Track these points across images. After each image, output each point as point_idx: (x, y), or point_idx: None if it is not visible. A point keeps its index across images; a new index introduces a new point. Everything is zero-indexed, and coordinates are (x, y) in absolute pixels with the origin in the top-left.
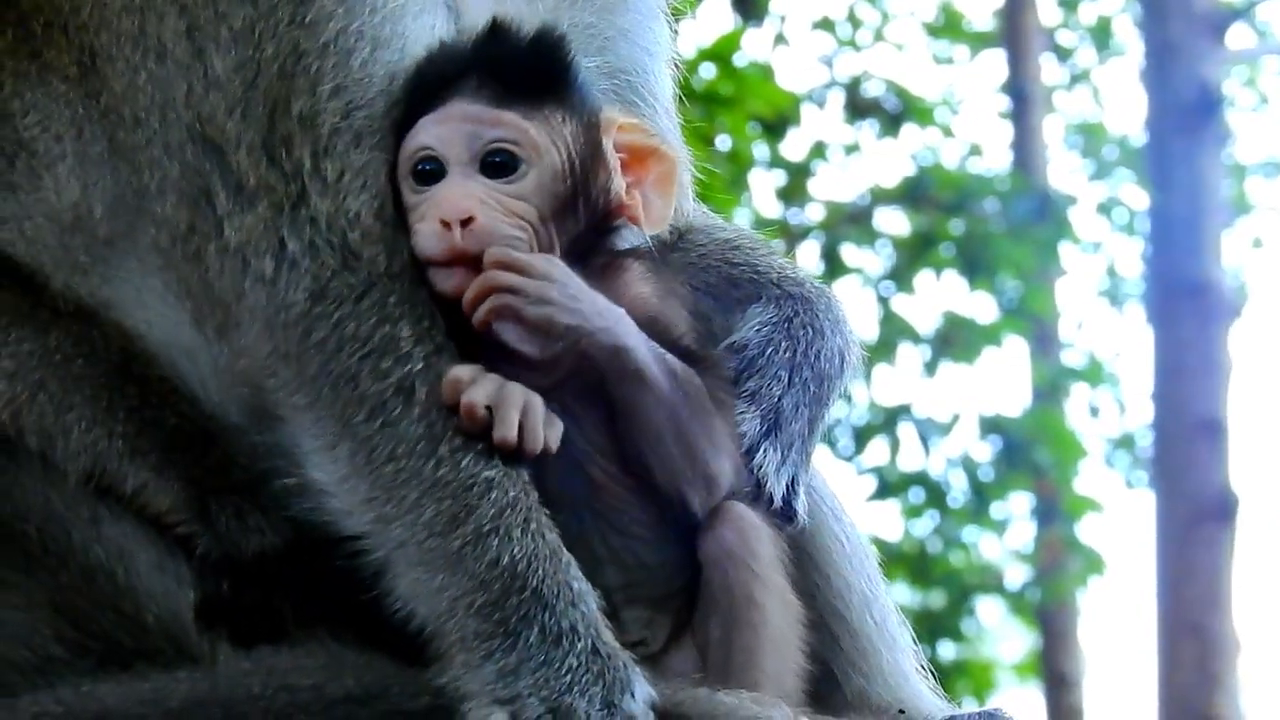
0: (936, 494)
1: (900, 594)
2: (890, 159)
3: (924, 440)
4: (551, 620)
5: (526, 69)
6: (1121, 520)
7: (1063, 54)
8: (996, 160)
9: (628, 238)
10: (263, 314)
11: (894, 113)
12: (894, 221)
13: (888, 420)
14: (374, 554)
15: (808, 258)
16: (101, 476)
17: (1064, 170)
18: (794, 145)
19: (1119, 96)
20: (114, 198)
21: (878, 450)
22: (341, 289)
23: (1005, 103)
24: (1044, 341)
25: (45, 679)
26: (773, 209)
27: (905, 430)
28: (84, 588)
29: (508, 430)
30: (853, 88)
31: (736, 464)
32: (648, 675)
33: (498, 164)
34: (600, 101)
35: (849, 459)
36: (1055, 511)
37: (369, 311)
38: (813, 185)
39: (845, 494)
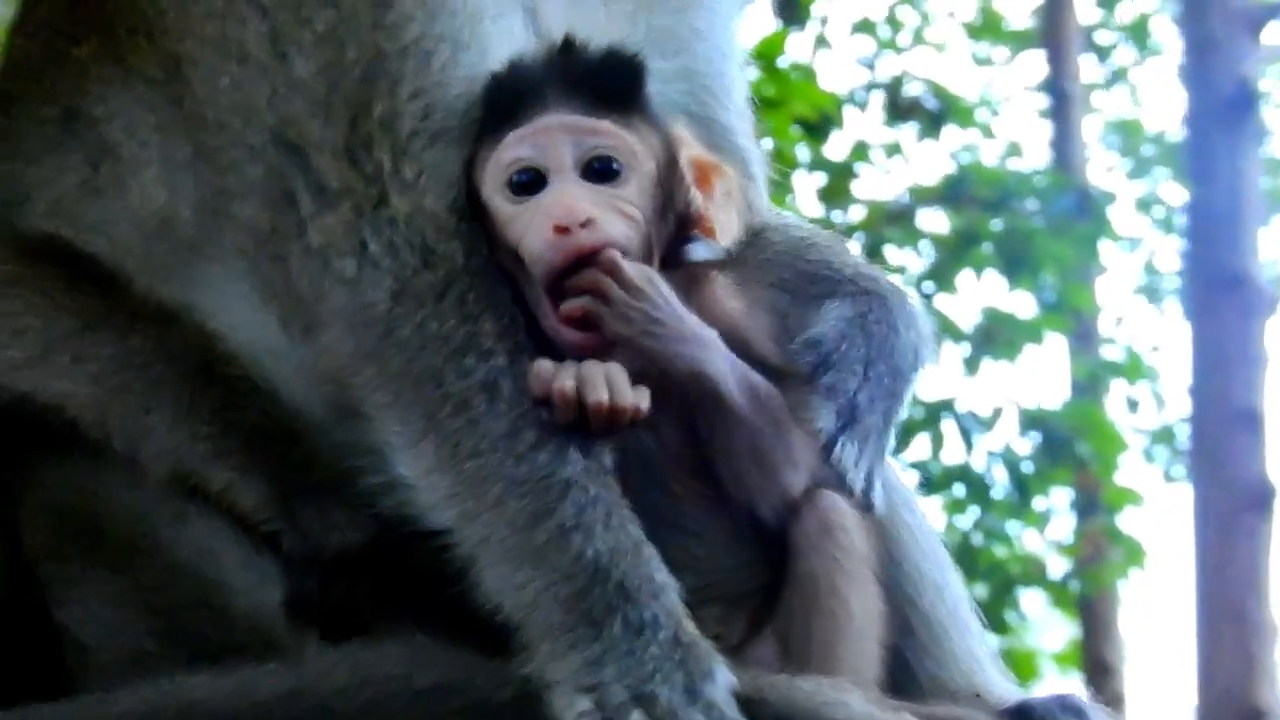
0: (979, 488)
1: None
2: (931, 159)
3: (966, 436)
4: (634, 611)
5: (608, 82)
6: (1162, 512)
7: (1101, 53)
8: (1036, 159)
9: (701, 251)
10: (345, 314)
11: (935, 113)
12: (935, 221)
13: (930, 416)
14: (459, 549)
15: None
16: (187, 477)
17: (1103, 168)
18: (836, 146)
19: (1157, 94)
20: (198, 201)
21: (920, 446)
22: (422, 288)
23: (1044, 102)
24: (1084, 337)
25: (137, 673)
26: (815, 210)
27: (947, 426)
28: (172, 585)
29: (599, 393)
30: (893, 89)
31: (814, 472)
32: (730, 664)
33: (600, 171)
34: (669, 119)
35: (893, 455)
36: (1096, 504)
37: (450, 310)
38: (855, 186)
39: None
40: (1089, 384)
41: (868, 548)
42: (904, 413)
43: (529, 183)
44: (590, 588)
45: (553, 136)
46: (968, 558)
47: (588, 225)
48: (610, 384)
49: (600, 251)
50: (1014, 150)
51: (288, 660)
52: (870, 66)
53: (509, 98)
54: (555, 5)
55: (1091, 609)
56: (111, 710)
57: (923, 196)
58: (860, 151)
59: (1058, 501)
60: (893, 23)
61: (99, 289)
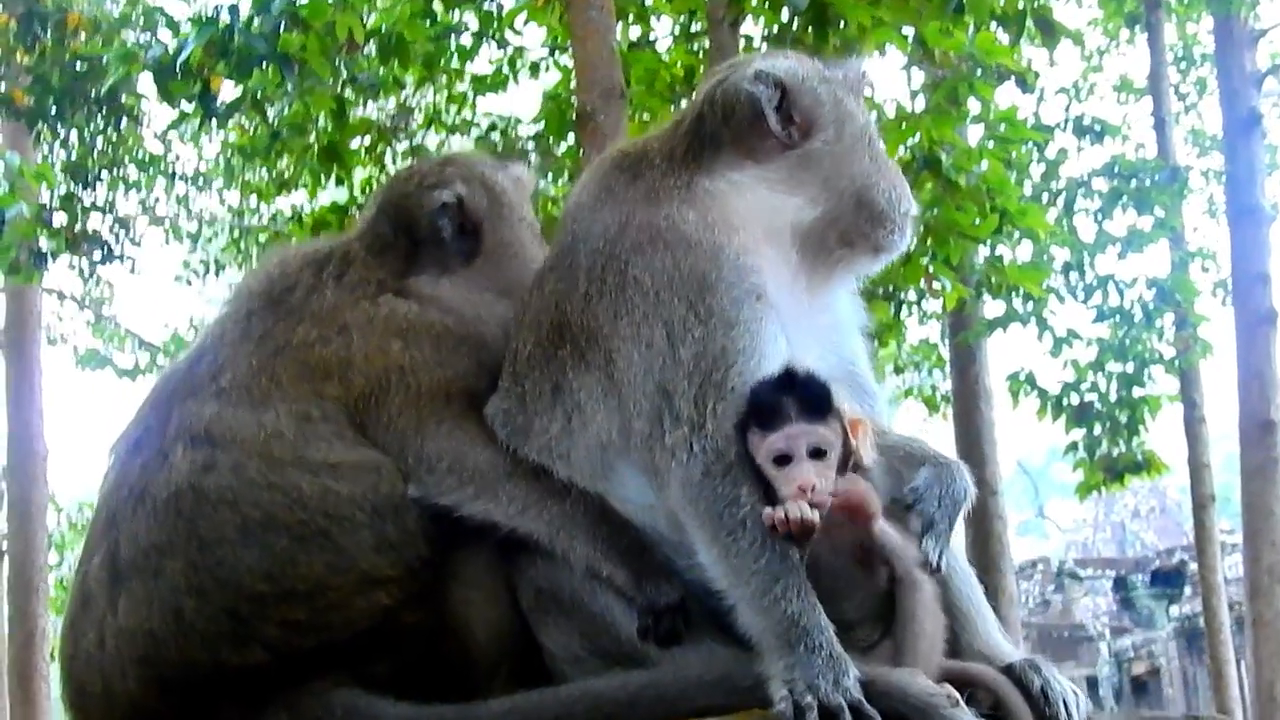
0: (1128, 315)
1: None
2: (1096, 155)
3: (1120, 292)
4: (810, 641)
5: (816, 402)
6: (1220, 325)
7: (1181, 95)
8: (1150, 152)
9: (863, 461)
10: (679, 480)
11: (1099, 131)
12: (1099, 184)
13: (1101, 283)
14: (727, 601)
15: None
16: (594, 570)
17: (1183, 155)
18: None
19: (1211, 115)
20: (618, 427)
21: (1097, 296)
22: (716, 470)
23: (1151, 121)
24: (1176, 240)
25: (578, 672)
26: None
27: (1111, 288)
28: (591, 622)
29: (795, 517)
30: (1078, 121)
31: (915, 557)
32: (859, 663)
33: (816, 453)
34: (843, 407)
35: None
36: (1186, 322)
37: (728, 482)
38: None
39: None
40: (1179, 263)
41: (934, 595)
42: (960, 520)
43: (783, 459)
44: (789, 629)
45: (796, 438)
46: (1125, 349)
47: (813, 489)
48: (801, 513)
49: (814, 495)
50: (1139, 148)
51: (645, 661)
52: (1066, 109)
53: (769, 403)
54: (800, 347)
55: (1186, 374)
56: (567, 694)
57: (1094, 174)
58: (1062, 155)
59: (1166, 321)
60: (1076, 87)
61: (536, 477)
